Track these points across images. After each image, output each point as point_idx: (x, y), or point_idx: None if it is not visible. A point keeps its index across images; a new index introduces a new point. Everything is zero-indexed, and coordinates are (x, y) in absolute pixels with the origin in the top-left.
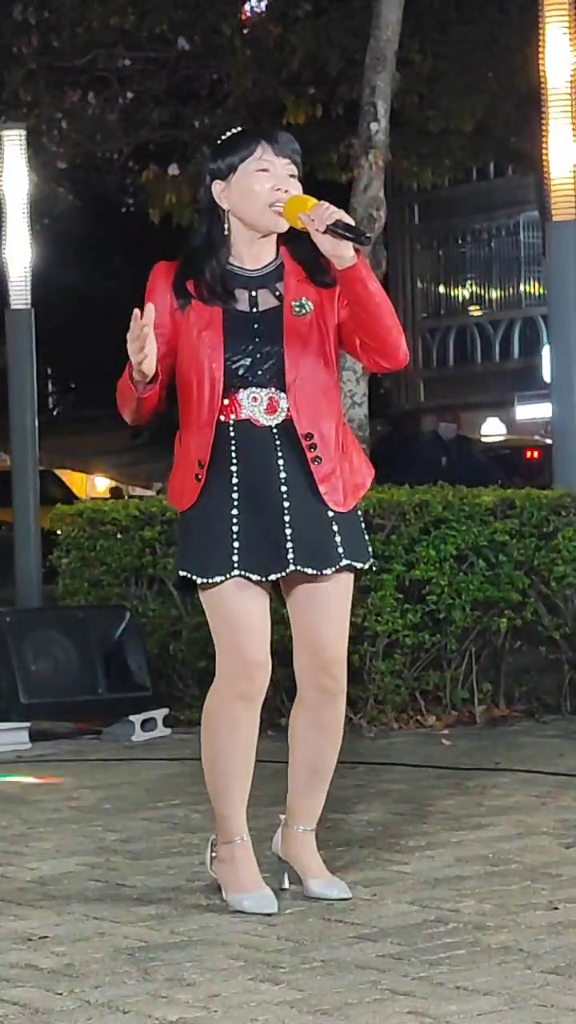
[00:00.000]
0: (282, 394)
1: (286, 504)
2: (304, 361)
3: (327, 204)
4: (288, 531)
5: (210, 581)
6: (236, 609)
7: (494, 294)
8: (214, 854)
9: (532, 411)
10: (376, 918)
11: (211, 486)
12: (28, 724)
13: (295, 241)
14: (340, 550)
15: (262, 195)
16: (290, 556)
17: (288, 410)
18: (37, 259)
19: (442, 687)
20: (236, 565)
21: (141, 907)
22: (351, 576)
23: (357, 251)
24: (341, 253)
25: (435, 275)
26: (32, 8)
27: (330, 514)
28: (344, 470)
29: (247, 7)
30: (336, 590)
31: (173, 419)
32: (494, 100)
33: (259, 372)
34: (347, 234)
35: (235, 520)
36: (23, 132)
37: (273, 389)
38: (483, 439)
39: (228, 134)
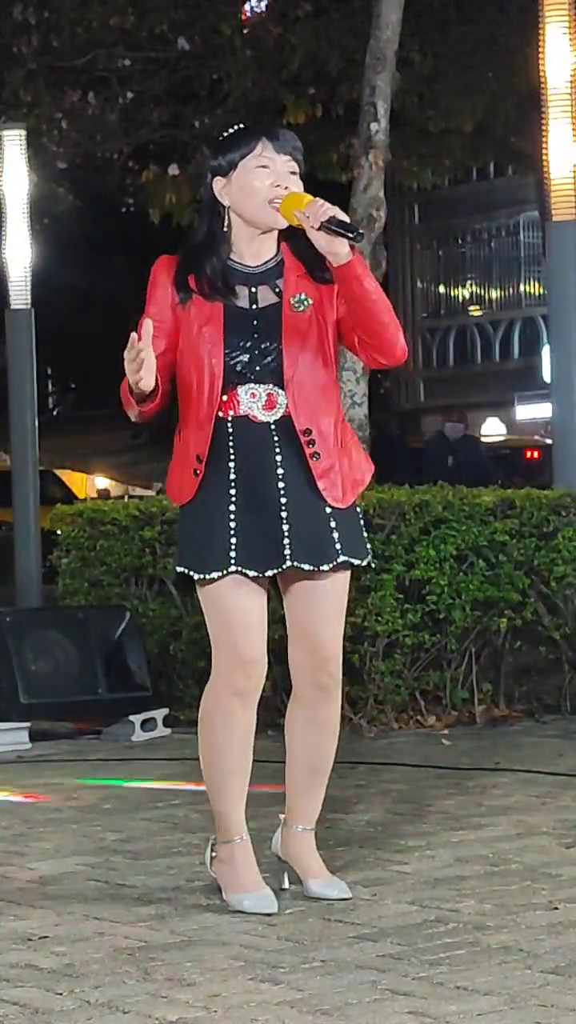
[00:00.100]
0: (280, 390)
1: (283, 500)
2: (303, 357)
3: (322, 201)
4: (285, 527)
5: (207, 577)
6: (233, 605)
7: (494, 294)
8: (214, 854)
9: (532, 411)
10: (376, 918)
11: (209, 482)
12: (28, 724)
13: (296, 237)
14: (338, 546)
15: (261, 191)
16: (287, 552)
17: (287, 406)
18: (37, 259)
19: (442, 687)
20: (233, 561)
21: (141, 907)
22: (348, 573)
23: (352, 248)
24: (336, 250)
25: (435, 275)
26: (32, 8)
27: (328, 510)
28: (343, 466)
29: (247, 7)
30: (333, 587)
31: (173, 419)
32: (494, 100)
33: (257, 368)
34: (341, 231)
35: (232, 516)
36: (23, 132)
37: (271, 385)
38: (483, 439)
39: (230, 131)
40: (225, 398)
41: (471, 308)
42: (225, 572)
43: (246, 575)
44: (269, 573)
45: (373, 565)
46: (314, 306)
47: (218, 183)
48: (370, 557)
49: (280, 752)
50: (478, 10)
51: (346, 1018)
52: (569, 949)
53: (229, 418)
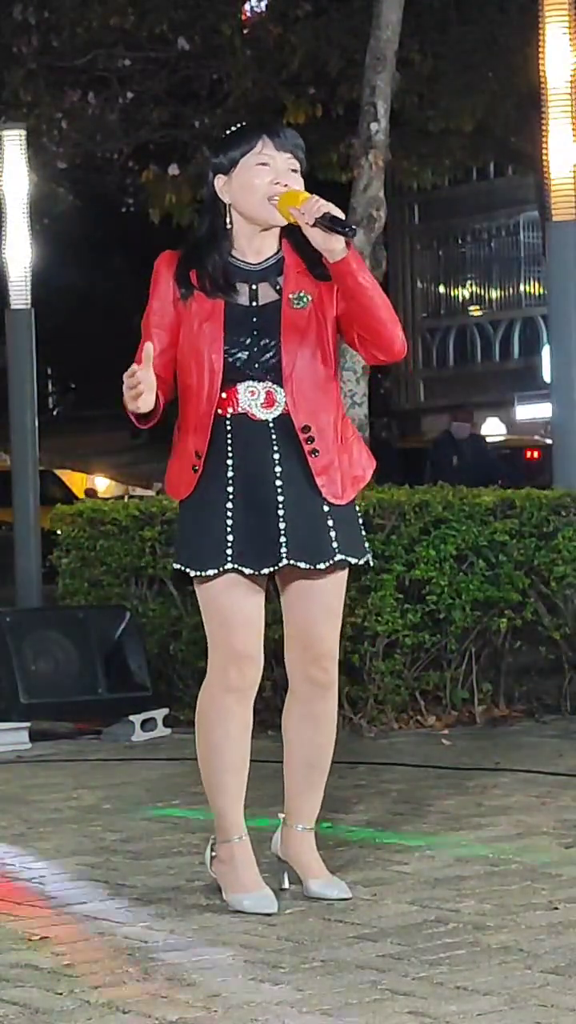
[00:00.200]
0: (279, 388)
1: (280, 499)
2: (302, 354)
3: (316, 197)
4: (282, 525)
5: (203, 574)
6: (228, 603)
7: (494, 294)
8: (214, 854)
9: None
10: (376, 918)
11: (207, 478)
12: (28, 724)
13: (297, 234)
14: (335, 545)
15: (261, 189)
16: (283, 550)
17: (285, 404)
18: (37, 259)
19: (442, 687)
20: (229, 558)
21: (141, 907)
22: (346, 571)
23: (348, 245)
24: (331, 246)
25: (435, 275)
26: (32, 8)
27: (326, 508)
28: (343, 462)
29: (247, 7)
30: (330, 585)
31: (173, 418)
32: (494, 100)
33: (256, 365)
34: (334, 227)
35: (229, 514)
36: (23, 132)
37: (270, 383)
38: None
39: (232, 129)
40: (224, 395)
41: (471, 308)
42: (221, 570)
43: (242, 573)
44: (265, 571)
45: (372, 564)
46: (314, 303)
47: (219, 181)
48: (369, 556)
49: (280, 752)
50: (478, 10)
51: (346, 1018)
52: (569, 949)
53: (228, 415)
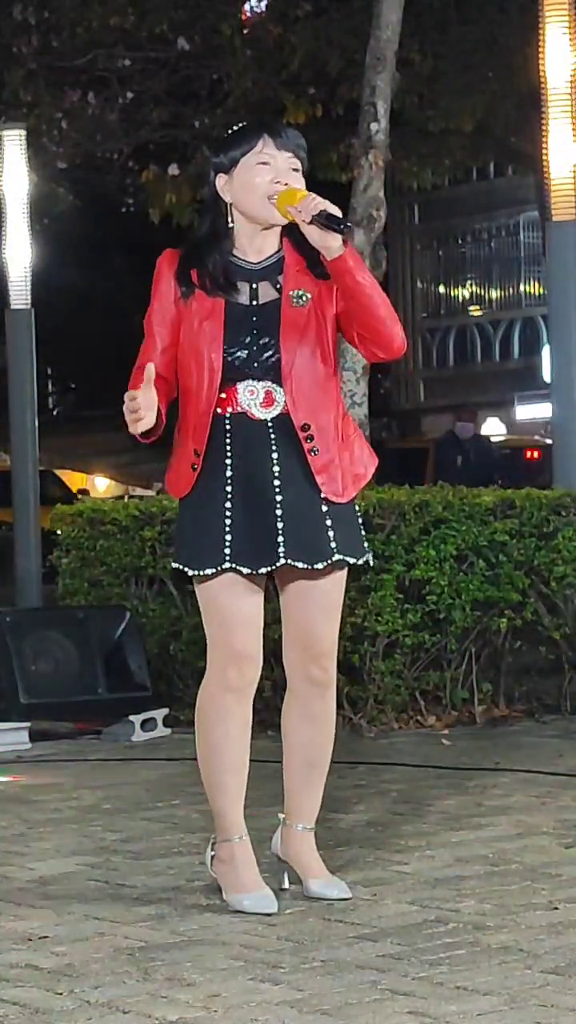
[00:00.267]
0: (279, 387)
1: (279, 498)
2: (301, 352)
3: (313, 195)
4: (280, 525)
5: (202, 573)
6: (226, 602)
7: (494, 294)
8: (213, 853)
9: (532, 411)
10: (376, 918)
11: (206, 477)
12: (28, 724)
13: (298, 233)
14: (333, 545)
15: (261, 188)
16: (281, 550)
17: (285, 404)
18: (37, 259)
19: (442, 687)
20: (228, 558)
21: (141, 907)
22: (345, 571)
23: (345, 242)
24: (328, 244)
25: (435, 275)
26: (32, 8)
27: (324, 508)
28: (344, 460)
29: (247, 7)
30: (329, 585)
31: (174, 418)
32: (494, 100)
33: (255, 364)
34: (330, 224)
35: (228, 513)
36: (23, 132)
37: (269, 382)
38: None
39: (233, 128)
40: (224, 395)
41: (471, 308)
42: (219, 569)
43: (240, 572)
44: (263, 571)
45: (372, 564)
46: (313, 301)
47: (220, 180)
48: (368, 556)
49: (280, 752)
50: (478, 10)
51: (346, 1018)
52: (569, 949)
53: (227, 415)
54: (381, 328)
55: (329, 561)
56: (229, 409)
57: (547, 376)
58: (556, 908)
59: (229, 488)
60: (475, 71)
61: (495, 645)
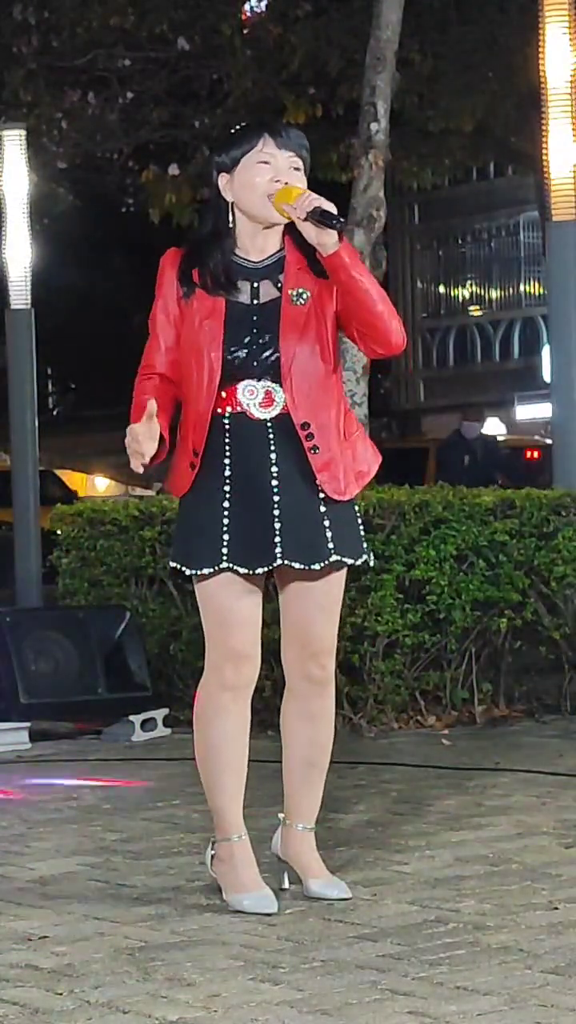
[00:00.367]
0: (278, 387)
1: (276, 499)
2: (301, 350)
3: (309, 192)
4: (277, 525)
5: (199, 573)
6: (224, 602)
7: (494, 294)
8: (213, 852)
9: (532, 411)
10: (376, 918)
11: (204, 477)
12: (28, 724)
13: (299, 232)
14: (330, 546)
15: (261, 187)
16: (278, 550)
17: (284, 404)
18: (37, 259)
19: (442, 687)
20: (225, 557)
21: (141, 907)
22: (343, 571)
23: (341, 238)
24: (324, 240)
25: (435, 275)
26: (32, 8)
27: (323, 509)
28: (346, 458)
29: (247, 7)
30: (327, 585)
31: (176, 417)
32: (494, 100)
33: (255, 364)
34: (323, 220)
35: (226, 513)
36: (23, 132)
37: (269, 382)
38: None
39: (236, 128)
40: (224, 394)
41: (471, 308)
42: (216, 568)
43: (237, 572)
44: (260, 571)
45: (372, 564)
46: (313, 299)
47: (222, 179)
48: (367, 556)
49: (280, 752)
50: (478, 10)
51: (346, 1018)
52: (569, 949)
53: (227, 414)
54: (378, 324)
55: (327, 562)
56: (229, 409)
57: (547, 376)
58: (556, 908)
59: (227, 488)
60: (475, 71)
61: (495, 645)
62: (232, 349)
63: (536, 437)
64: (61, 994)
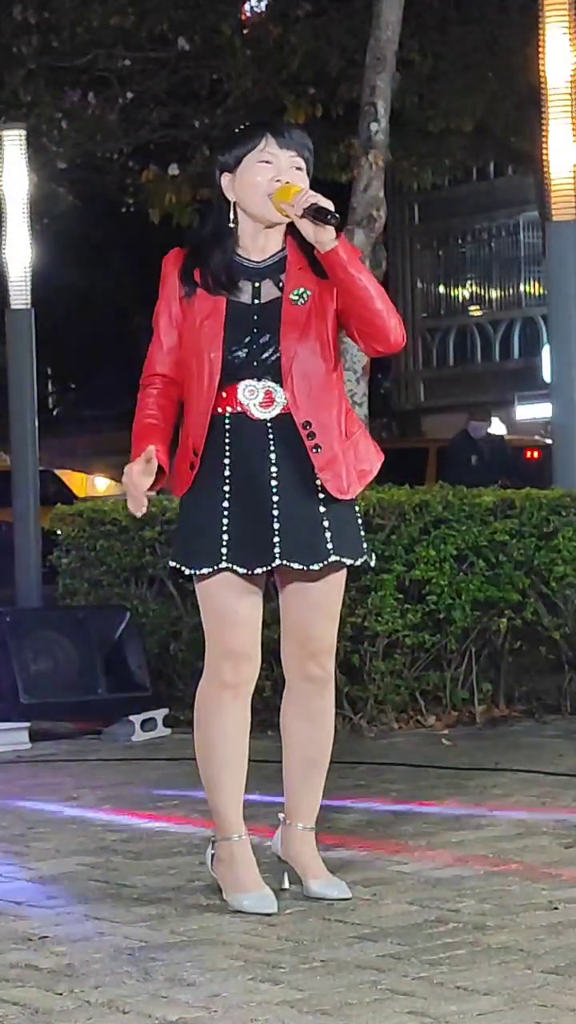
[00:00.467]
0: (279, 387)
1: (275, 499)
2: (301, 350)
3: (307, 190)
4: (276, 525)
5: (199, 572)
6: (223, 601)
7: (494, 294)
8: (213, 852)
9: (532, 411)
10: (376, 918)
11: (204, 477)
12: (28, 724)
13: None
14: (329, 546)
15: (262, 186)
16: (276, 551)
17: (285, 404)
18: (37, 259)
19: (442, 687)
20: (224, 557)
21: (141, 907)
22: (342, 571)
23: (339, 236)
24: (321, 237)
25: (435, 275)
26: (32, 8)
27: (322, 509)
28: (348, 457)
29: (247, 7)
30: (326, 585)
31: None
32: (494, 100)
33: (255, 364)
34: (319, 216)
35: (225, 513)
36: (23, 132)
37: (269, 382)
38: None
39: (239, 127)
40: (225, 394)
41: (471, 308)
42: (215, 568)
43: (236, 572)
44: (259, 571)
45: (372, 564)
46: (314, 298)
47: (225, 178)
48: (366, 557)
49: (280, 752)
50: (478, 10)
51: (346, 1018)
52: (569, 949)
53: (227, 414)
54: (377, 321)
55: (326, 562)
56: (229, 409)
57: (547, 376)
58: (556, 908)
59: (227, 488)
60: (475, 71)
61: (495, 645)
62: (232, 349)
63: (536, 437)
64: (61, 994)
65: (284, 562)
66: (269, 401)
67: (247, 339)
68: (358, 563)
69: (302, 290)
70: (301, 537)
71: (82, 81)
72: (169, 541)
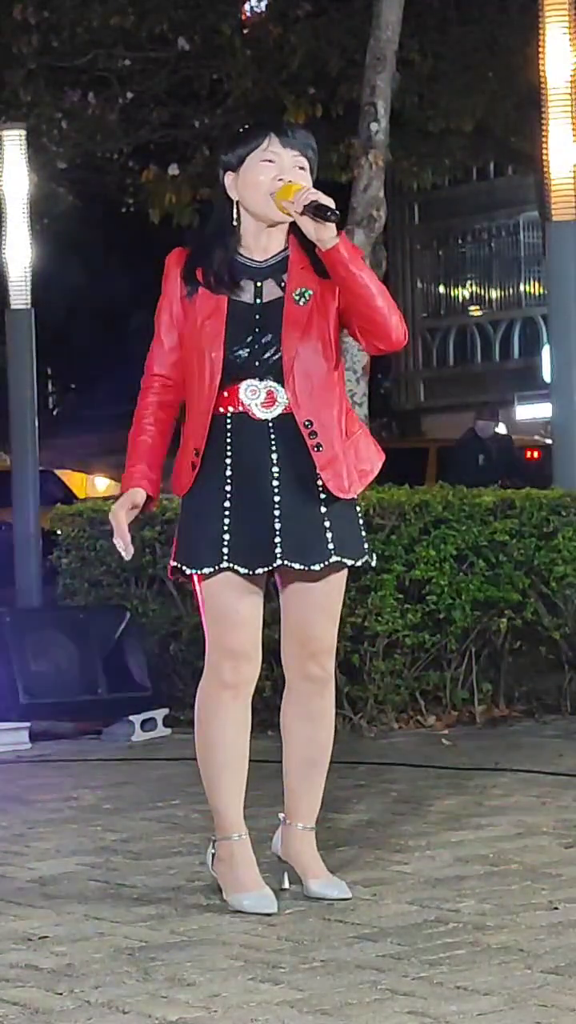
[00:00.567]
0: (280, 387)
1: (277, 499)
2: (303, 350)
3: (307, 188)
4: (277, 526)
5: (200, 572)
6: (224, 601)
7: (494, 294)
8: (214, 851)
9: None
10: (376, 918)
11: (205, 476)
12: (28, 724)
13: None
14: (330, 546)
15: (264, 185)
16: (277, 551)
17: (286, 404)
18: (37, 259)
19: (442, 687)
20: (225, 558)
21: (141, 907)
22: (343, 571)
23: (340, 234)
24: (321, 235)
25: (435, 275)
26: (32, 8)
27: (323, 510)
28: (349, 456)
29: (247, 7)
30: (327, 585)
31: (180, 416)
32: (494, 100)
33: (256, 363)
34: (318, 214)
35: (227, 513)
36: (23, 132)
37: (271, 381)
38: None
39: (243, 127)
40: (226, 394)
41: (471, 308)
42: (216, 568)
43: (237, 572)
44: (260, 571)
45: (373, 564)
46: (315, 297)
47: (228, 178)
48: (367, 557)
49: (280, 752)
50: (478, 10)
51: (346, 1018)
52: (569, 949)
53: (229, 414)
54: (378, 318)
55: (327, 563)
56: (231, 408)
57: (547, 376)
58: (556, 908)
59: (228, 488)
60: (475, 71)
61: (495, 645)
62: (234, 348)
63: (536, 437)
64: (61, 994)
65: (285, 562)
66: (271, 401)
67: (249, 339)
68: (359, 563)
69: (303, 289)
70: (302, 537)
71: (82, 81)
72: (169, 541)
